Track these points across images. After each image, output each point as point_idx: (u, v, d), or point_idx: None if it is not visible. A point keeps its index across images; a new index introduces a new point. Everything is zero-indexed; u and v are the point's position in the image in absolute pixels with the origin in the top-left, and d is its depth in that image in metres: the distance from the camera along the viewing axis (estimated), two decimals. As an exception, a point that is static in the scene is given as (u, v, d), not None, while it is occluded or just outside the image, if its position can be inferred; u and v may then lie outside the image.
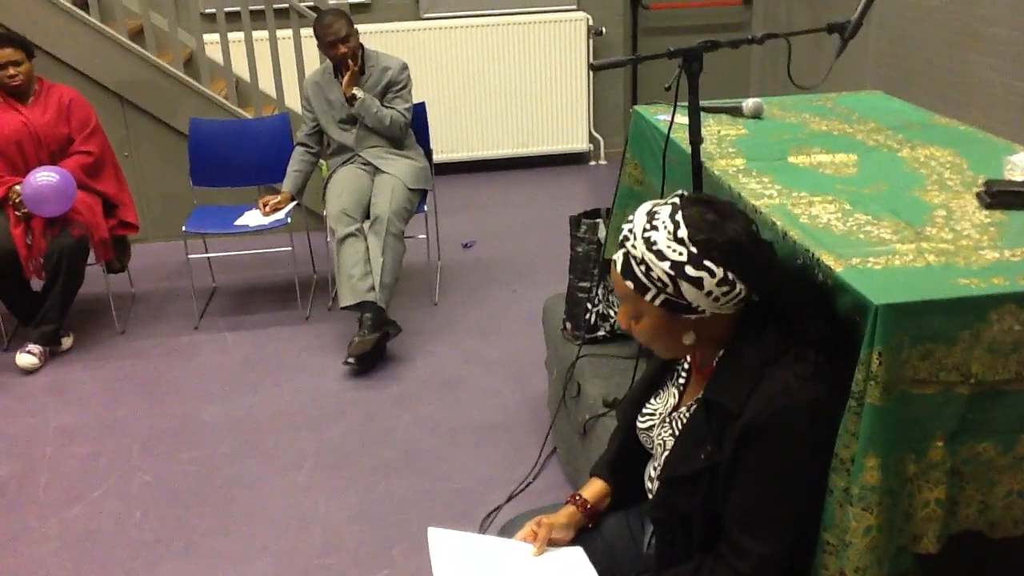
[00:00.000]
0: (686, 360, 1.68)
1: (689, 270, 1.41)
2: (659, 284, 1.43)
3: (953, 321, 1.41)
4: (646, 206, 1.50)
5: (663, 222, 1.44)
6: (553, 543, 1.70)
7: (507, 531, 1.78)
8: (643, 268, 1.44)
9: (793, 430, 1.41)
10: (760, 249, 1.47)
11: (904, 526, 1.47)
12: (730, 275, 1.41)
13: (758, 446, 1.41)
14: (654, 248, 1.43)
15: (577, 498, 1.79)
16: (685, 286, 1.41)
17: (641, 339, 1.54)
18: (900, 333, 1.39)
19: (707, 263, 1.41)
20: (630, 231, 1.47)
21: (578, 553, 1.68)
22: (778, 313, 1.47)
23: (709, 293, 1.42)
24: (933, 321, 1.41)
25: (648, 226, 1.45)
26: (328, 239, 3.96)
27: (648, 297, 1.45)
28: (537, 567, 1.65)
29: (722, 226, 1.43)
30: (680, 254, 1.41)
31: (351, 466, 3.11)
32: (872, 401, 1.38)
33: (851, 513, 1.41)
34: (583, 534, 1.76)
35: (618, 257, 1.50)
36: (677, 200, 1.48)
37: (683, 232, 1.42)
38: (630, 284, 1.46)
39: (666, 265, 1.42)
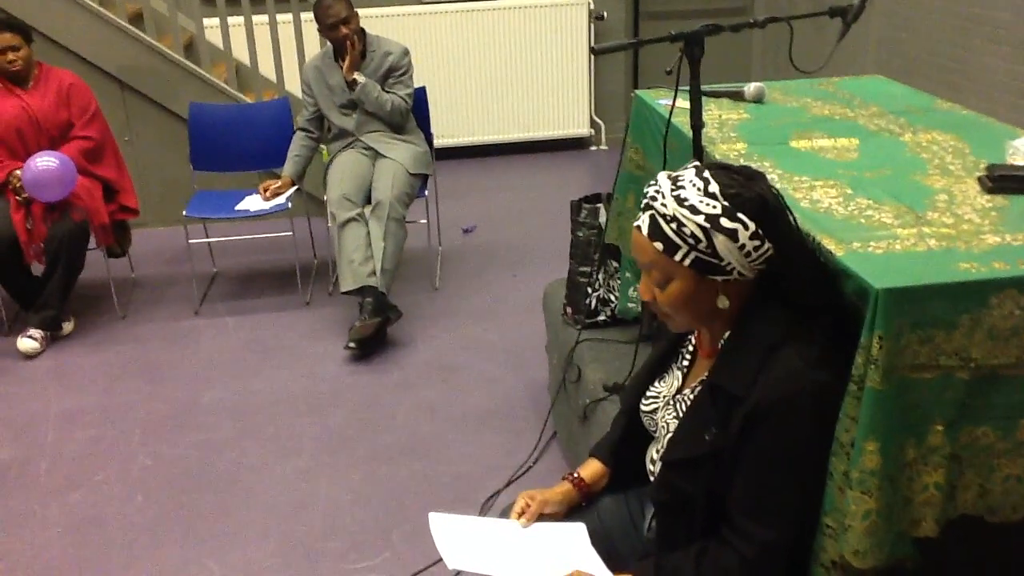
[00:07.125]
0: (691, 342, 1.67)
1: (724, 222, 1.40)
2: (691, 241, 1.41)
3: (953, 306, 1.41)
4: (663, 174, 1.49)
5: (690, 181, 1.44)
6: (545, 519, 1.71)
7: (507, 514, 1.78)
8: (674, 225, 1.42)
9: (799, 415, 1.40)
10: (783, 208, 1.47)
11: (903, 510, 1.47)
12: (760, 230, 1.41)
13: (764, 430, 1.41)
14: (686, 204, 1.42)
15: (574, 476, 1.79)
16: (720, 239, 1.40)
17: (666, 308, 1.50)
18: (900, 318, 1.39)
19: (740, 215, 1.40)
20: (657, 191, 1.46)
21: (580, 529, 1.69)
22: (785, 295, 1.46)
23: (742, 247, 1.41)
24: (933, 306, 1.40)
25: (674, 186, 1.45)
26: (329, 224, 3.95)
27: (678, 256, 1.43)
28: (536, 542, 1.67)
29: (748, 184, 1.44)
30: (714, 207, 1.41)
31: (351, 450, 3.12)
32: (872, 385, 1.38)
33: (850, 497, 1.41)
34: (580, 514, 1.76)
35: (643, 221, 1.47)
36: (697, 165, 1.48)
37: (714, 187, 1.42)
38: (659, 245, 1.44)
39: (700, 219, 1.40)
